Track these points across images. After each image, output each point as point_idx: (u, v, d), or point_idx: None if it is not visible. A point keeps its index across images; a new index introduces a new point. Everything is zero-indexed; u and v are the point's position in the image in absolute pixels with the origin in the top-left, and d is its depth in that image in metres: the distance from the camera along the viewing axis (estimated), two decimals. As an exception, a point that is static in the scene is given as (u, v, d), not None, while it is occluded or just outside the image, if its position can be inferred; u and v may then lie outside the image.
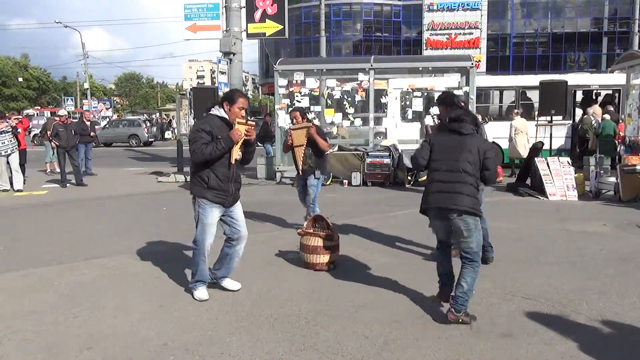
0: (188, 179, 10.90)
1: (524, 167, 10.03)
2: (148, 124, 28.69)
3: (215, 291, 4.35)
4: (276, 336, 3.47)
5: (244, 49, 14.91)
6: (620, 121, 11.73)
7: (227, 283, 4.34)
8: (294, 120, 6.34)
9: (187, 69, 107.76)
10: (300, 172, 6.26)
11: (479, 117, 5.63)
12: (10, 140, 10.32)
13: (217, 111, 4.07)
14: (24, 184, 11.38)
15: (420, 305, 3.99)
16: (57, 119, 11.67)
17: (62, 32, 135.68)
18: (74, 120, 15.44)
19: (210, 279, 4.29)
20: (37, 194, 10.32)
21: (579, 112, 13.58)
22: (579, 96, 14.14)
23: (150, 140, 27.41)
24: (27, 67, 59.68)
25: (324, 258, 4.85)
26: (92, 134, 13.45)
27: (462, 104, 9.38)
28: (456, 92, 10.84)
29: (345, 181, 10.85)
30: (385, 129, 14.05)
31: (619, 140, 10.99)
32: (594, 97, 14.48)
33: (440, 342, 3.34)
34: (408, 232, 6.32)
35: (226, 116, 4.03)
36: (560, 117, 10.78)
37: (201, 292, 4.17)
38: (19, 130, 11.24)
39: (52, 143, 11.56)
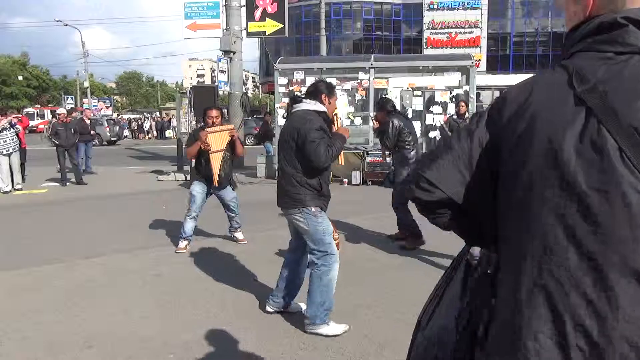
0: (188, 177, 10.96)
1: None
2: (111, 123, 28.48)
3: (215, 290, 4.36)
4: (276, 335, 3.48)
5: (244, 47, 14.94)
6: None
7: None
8: (211, 121, 5.52)
9: (187, 67, 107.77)
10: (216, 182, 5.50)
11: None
12: (12, 139, 10.16)
13: (313, 105, 3.42)
14: (24, 182, 11.40)
15: (420, 305, 3.99)
16: (60, 117, 11.58)
17: (63, 30, 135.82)
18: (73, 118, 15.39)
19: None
20: (37, 192, 10.32)
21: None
22: None
23: (113, 139, 27.06)
24: (26, 65, 59.61)
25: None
26: (92, 132, 13.44)
27: (463, 103, 9.45)
28: (456, 91, 10.88)
29: (345, 180, 10.85)
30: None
31: None
32: None
33: (440, 341, 3.34)
34: (408, 231, 6.32)
35: (326, 110, 3.46)
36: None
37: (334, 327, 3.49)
38: (20, 128, 11.08)
39: (52, 142, 11.50)
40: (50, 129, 11.50)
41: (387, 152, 6.42)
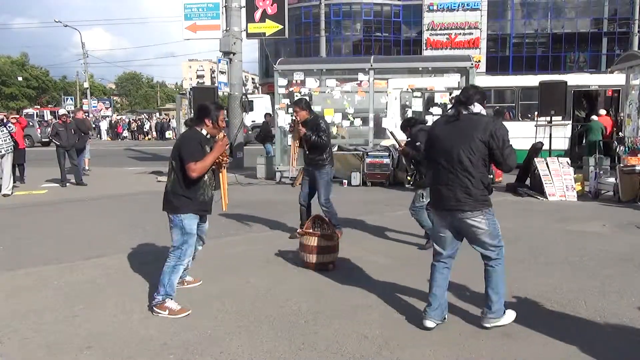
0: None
1: (523, 167, 10.04)
2: (44, 124, 27.96)
3: (214, 291, 4.36)
4: (276, 335, 3.48)
5: (244, 48, 14.93)
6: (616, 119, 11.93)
7: None
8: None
9: (187, 68, 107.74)
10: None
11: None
12: (5, 140, 9.66)
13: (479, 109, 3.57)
14: (23, 182, 11.40)
15: (420, 305, 4.00)
16: (63, 117, 11.50)
17: (63, 31, 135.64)
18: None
19: None
20: (36, 193, 10.32)
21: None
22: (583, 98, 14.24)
23: (44, 140, 25.87)
24: (25, 65, 59.59)
25: (324, 258, 4.86)
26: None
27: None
28: (456, 92, 10.89)
29: (345, 181, 10.85)
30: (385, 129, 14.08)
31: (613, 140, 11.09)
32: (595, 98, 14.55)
33: (439, 342, 3.35)
34: (408, 233, 6.32)
35: None
36: (559, 118, 10.80)
37: None
38: (14, 128, 10.53)
39: (52, 142, 11.38)
40: (50, 129, 11.44)
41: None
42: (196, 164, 3.74)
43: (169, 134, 32.88)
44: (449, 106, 4.08)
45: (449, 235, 3.57)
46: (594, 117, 12.76)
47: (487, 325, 3.52)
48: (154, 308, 3.85)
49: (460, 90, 3.92)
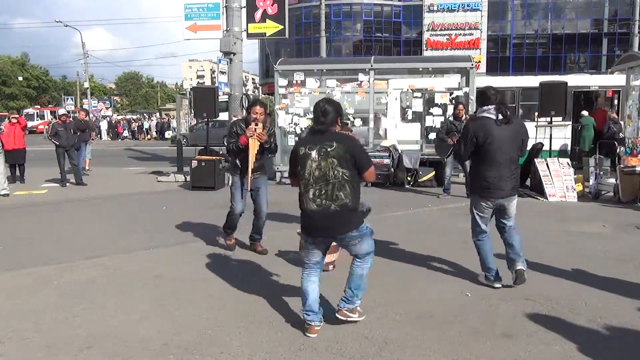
0: (188, 178, 10.96)
1: (524, 168, 10.03)
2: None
3: (214, 291, 4.36)
4: (276, 336, 3.48)
5: (244, 48, 14.94)
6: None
7: None
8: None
9: (187, 68, 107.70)
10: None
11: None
12: None
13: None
14: (23, 182, 11.40)
15: (420, 305, 4.00)
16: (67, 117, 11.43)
17: (63, 31, 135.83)
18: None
19: None
20: (36, 193, 10.32)
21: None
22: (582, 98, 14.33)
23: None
24: (25, 65, 59.61)
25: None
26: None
27: (461, 106, 9.47)
28: (456, 92, 10.90)
29: (345, 181, 10.83)
30: (385, 129, 14.08)
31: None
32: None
33: (439, 342, 3.35)
34: (407, 233, 6.32)
35: None
36: (560, 118, 10.81)
37: None
38: (3, 129, 10.37)
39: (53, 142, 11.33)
40: (49, 129, 11.43)
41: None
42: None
43: (168, 134, 32.88)
44: (490, 109, 4.28)
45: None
46: (584, 113, 13.10)
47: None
48: (348, 313, 3.58)
49: (494, 92, 4.31)
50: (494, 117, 4.21)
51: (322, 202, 3.37)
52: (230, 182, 5.62)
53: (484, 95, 4.32)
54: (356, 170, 3.40)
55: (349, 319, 3.59)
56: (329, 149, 3.35)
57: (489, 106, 4.25)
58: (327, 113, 3.42)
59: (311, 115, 11.50)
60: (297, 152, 3.48)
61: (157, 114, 45.11)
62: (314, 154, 3.37)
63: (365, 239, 3.52)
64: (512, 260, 4.42)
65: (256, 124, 5.14)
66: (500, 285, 4.33)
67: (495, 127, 4.19)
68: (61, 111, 12.36)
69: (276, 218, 7.38)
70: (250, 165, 5.27)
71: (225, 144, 5.44)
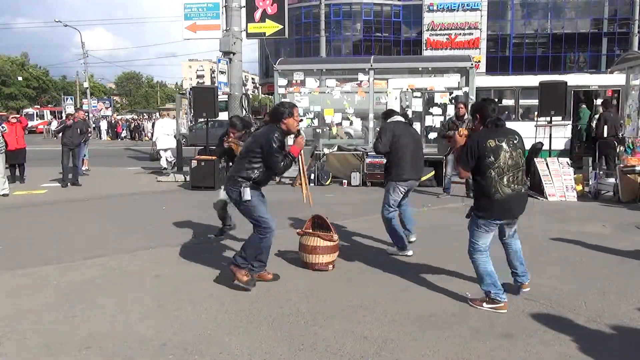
0: (187, 178, 10.96)
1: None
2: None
3: (214, 291, 4.36)
4: (275, 336, 3.48)
5: (244, 48, 14.90)
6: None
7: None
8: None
9: (186, 68, 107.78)
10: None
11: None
12: None
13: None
14: (23, 182, 11.39)
15: (420, 305, 4.00)
16: (68, 118, 11.43)
17: (63, 31, 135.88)
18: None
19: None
20: (36, 193, 10.31)
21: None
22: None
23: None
24: (25, 65, 59.56)
25: (324, 258, 4.85)
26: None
27: (462, 105, 9.47)
28: (456, 92, 10.90)
29: (345, 181, 10.85)
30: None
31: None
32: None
33: (439, 343, 3.35)
34: (407, 233, 6.31)
35: None
36: (559, 118, 10.80)
37: None
38: (6, 128, 10.31)
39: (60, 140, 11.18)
40: (58, 126, 11.34)
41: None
42: None
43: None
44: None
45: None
46: (583, 106, 13.57)
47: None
48: (475, 303, 3.94)
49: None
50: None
51: (515, 186, 3.90)
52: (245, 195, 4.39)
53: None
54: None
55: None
56: (515, 142, 3.89)
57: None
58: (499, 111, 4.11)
59: (311, 115, 11.59)
60: (493, 149, 3.79)
61: (157, 114, 45.08)
62: (504, 145, 3.81)
63: None
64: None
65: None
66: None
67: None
68: (69, 110, 12.32)
69: (275, 217, 7.37)
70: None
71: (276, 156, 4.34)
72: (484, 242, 3.97)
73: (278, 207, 8.21)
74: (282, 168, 4.44)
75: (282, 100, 10.80)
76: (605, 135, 10.24)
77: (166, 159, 13.41)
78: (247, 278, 4.33)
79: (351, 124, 11.63)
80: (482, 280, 3.95)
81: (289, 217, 7.27)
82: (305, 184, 4.96)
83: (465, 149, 3.90)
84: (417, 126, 12.24)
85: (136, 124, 36.82)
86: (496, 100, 14.69)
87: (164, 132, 13.55)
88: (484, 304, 3.89)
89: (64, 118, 11.62)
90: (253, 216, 4.45)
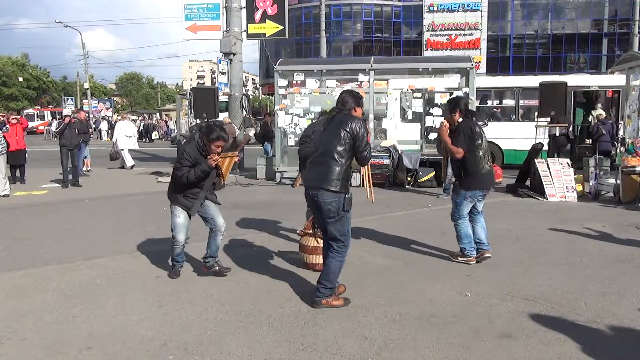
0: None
1: (524, 168, 10.04)
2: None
3: (214, 292, 4.36)
4: (275, 336, 3.48)
5: (244, 49, 14.95)
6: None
7: None
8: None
9: (187, 69, 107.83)
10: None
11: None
12: None
13: None
14: (23, 183, 11.40)
15: (420, 305, 4.00)
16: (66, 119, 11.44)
17: (63, 32, 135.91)
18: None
19: None
20: (36, 193, 10.32)
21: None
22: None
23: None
24: (25, 65, 59.58)
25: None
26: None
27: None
28: (456, 93, 10.89)
29: (345, 182, 10.83)
30: (385, 129, 14.07)
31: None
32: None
33: (439, 343, 3.35)
34: (407, 233, 6.32)
35: None
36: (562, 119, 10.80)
37: None
38: (8, 127, 10.36)
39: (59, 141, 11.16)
40: (57, 126, 11.34)
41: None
42: None
43: (155, 135, 33.24)
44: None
45: None
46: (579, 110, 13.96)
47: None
48: (453, 257, 5.16)
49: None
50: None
51: (489, 164, 4.95)
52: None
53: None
54: None
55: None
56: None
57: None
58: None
59: (311, 116, 11.59)
60: (480, 133, 4.90)
61: (157, 115, 45.10)
62: (483, 131, 4.99)
63: None
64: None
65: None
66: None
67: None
68: (65, 111, 12.34)
69: (276, 218, 7.39)
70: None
71: None
72: (466, 210, 4.97)
73: (278, 208, 8.24)
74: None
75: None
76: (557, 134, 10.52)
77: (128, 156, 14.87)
78: (340, 301, 3.98)
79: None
80: (461, 240, 5.00)
81: (288, 217, 7.28)
82: (370, 185, 5.43)
83: (461, 134, 4.82)
84: (417, 127, 12.31)
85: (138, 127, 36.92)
86: (496, 100, 14.76)
87: (124, 134, 14.76)
88: (459, 258, 5.04)
89: (61, 119, 11.61)
90: (345, 229, 3.93)
